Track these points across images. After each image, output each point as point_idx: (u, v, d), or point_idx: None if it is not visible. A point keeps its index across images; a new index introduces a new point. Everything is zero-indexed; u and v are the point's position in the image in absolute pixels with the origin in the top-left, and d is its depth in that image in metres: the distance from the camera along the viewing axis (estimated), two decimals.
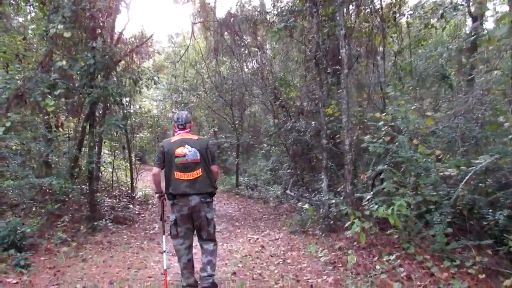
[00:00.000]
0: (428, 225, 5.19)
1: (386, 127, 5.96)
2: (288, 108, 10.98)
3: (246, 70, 14.35)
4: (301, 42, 10.82)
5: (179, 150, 4.00)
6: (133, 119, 12.56)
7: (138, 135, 13.75)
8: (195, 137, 4.17)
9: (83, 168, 8.14)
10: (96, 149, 10.33)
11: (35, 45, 10.03)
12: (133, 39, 11.31)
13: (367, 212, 5.50)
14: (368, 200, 5.33)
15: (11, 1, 9.58)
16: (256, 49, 11.83)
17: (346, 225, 5.07)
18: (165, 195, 4.19)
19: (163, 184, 4.27)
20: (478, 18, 11.53)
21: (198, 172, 3.99)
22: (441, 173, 5.47)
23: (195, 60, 18.33)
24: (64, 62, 7.47)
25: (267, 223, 9.80)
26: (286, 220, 9.85)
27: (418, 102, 6.46)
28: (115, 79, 7.66)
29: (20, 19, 10.97)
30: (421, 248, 5.05)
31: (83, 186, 8.67)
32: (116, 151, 13.21)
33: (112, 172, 12.33)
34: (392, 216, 4.72)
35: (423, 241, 5.17)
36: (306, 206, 7.08)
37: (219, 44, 13.98)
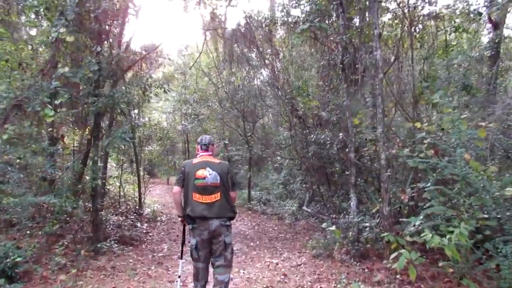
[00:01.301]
0: (487, 254, 4.30)
1: (428, 139, 5.10)
2: (305, 119, 10.14)
3: (260, 79, 13.58)
4: (326, 45, 10.07)
5: (200, 172, 3.95)
6: (142, 131, 11.79)
7: (147, 148, 12.97)
8: (217, 161, 4.15)
9: (88, 185, 7.33)
10: (102, 163, 9.59)
11: (40, 54, 9.38)
12: (141, 49, 10.63)
13: (407, 237, 4.65)
14: (416, 225, 4.43)
15: (20, 11, 8.93)
16: (271, 57, 11.05)
17: (392, 256, 4.18)
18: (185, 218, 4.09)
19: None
20: (499, 25, 10.79)
21: (217, 196, 3.93)
22: (497, 193, 4.60)
23: (206, 70, 17.71)
24: (66, 69, 6.73)
25: (285, 243, 8.92)
26: (305, 241, 8.98)
27: (462, 111, 5.58)
28: (122, 87, 6.88)
29: (30, 32, 10.35)
30: (481, 285, 4.15)
31: (87, 204, 7.86)
32: (124, 165, 12.43)
33: (120, 187, 11.53)
34: (449, 246, 3.85)
35: (484, 275, 4.27)
36: (333, 228, 6.21)
37: (232, 52, 13.29)
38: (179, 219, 4.30)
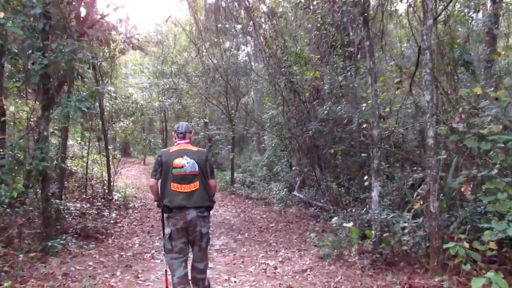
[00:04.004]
0: None
1: (494, 110, 3.63)
2: (301, 93, 8.55)
3: (246, 51, 11.87)
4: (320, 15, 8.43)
5: (177, 161, 3.76)
6: (111, 104, 9.94)
7: (118, 125, 11.12)
8: (195, 148, 3.95)
9: (33, 167, 5.54)
10: (61, 140, 7.81)
11: None
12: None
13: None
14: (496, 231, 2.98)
15: None
16: (261, 22, 9.34)
17: (473, 278, 2.71)
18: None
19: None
20: None
21: (196, 185, 3.76)
22: None
23: (185, 43, 15.85)
24: (1, 14, 4.92)
25: (278, 236, 7.44)
26: (302, 232, 7.54)
27: None
28: (75, 42, 5.06)
29: None
30: None
31: (38, 191, 6.11)
32: (92, 143, 10.56)
33: (86, 169, 9.74)
34: None
35: None
36: (349, 225, 4.73)
37: (215, 20, 11.51)
38: (156, 204, 4.05)
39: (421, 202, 4.07)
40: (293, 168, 11.77)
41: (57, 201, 6.69)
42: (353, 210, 5.54)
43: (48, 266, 5.10)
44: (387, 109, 6.65)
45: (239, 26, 13.03)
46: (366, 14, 4.76)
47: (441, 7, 5.49)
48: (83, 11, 6.98)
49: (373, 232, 4.69)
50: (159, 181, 3.83)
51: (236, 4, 9.21)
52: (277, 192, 11.01)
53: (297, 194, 10.25)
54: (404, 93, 7.09)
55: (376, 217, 4.59)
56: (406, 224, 4.10)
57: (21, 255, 4.84)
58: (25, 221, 5.97)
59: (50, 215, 5.78)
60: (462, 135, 3.75)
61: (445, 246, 3.31)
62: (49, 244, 5.55)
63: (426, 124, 3.81)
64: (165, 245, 3.76)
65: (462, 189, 3.69)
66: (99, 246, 6.43)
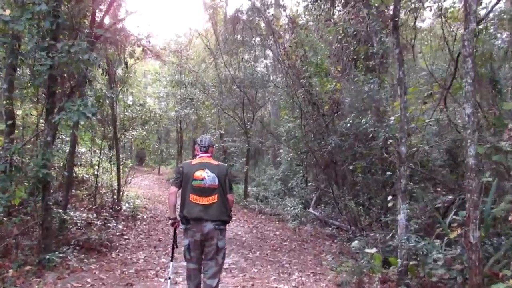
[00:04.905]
0: None
1: None
2: (320, 105, 8.06)
3: (264, 62, 11.51)
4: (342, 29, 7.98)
5: (198, 174, 3.79)
6: (124, 112, 9.63)
7: (132, 133, 10.79)
8: (216, 162, 3.98)
9: (32, 174, 5.17)
10: (69, 146, 7.50)
11: None
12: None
13: None
14: None
15: None
16: (280, 32, 8.95)
17: None
18: (179, 220, 3.92)
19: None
20: None
21: (214, 198, 3.77)
22: None
23: (203, 54, 15.61)
24: (7, 12, 4.66)
25: (292, 256, 6.91)
26: (317, 253, 6.99)
27: None
28: (83, 43, 4.70)
29: None
30: None
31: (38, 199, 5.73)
32: (104, 151, 10.24)
33: (96, 178, 9.41)
34: None
35: None
36: (372, 250, 4.20)
37: (234, 30, 11.20)
38: (170, 222, 4.06)
39: (458, 231, 3.51)
40: (309, 183, 11.22)
41: (60, 210, 6.30)
42: (377, 235, 4.97)
43: (43, 282, 4.71)
44: (412, 125, 6.14)
45: (257, 39, 12.75)
46: (397, 19, 4.30)
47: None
48: (98, 15, 6.77)
49: (399, 260, 4.14)
50: (179, 192, 3.89)
51: (256, 16, 8.82)
52: (292, 208, 10.47)
53: (313, 211, 9.70)
54: (430, 108, 6.57)
55: (403, 244, 4.03)
56: (440, 255, 3.54)
57: (10, 270, 4.43)
58: (26, 230, 5.62)
59: (49, 226, 5.39)
60: (509, 154, 3.21)
61: (494, 287, 2.76)
62: (47, 257, 5.16)
63: (467, 141, 3.28)
64: (185, 255, 3.88)
65: (510, 218, 3.14)
66: (101, 260, 6.00)
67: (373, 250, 4.31)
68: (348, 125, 6.18)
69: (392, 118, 5.12)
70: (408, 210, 4.36)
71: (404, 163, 4.28)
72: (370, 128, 5.48)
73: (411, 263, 4.23)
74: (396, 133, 4.55)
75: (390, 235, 4.32)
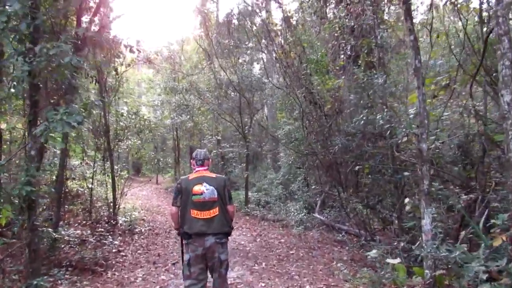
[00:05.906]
0: None
1: None
2: (322, 105, 7.61)
3: (259, 64, 11.09)
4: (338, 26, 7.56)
5: (197, 188, 3.78)
6: (117, 120, 9.14)
7: (126, 142, 10.30)
8: (213, 175, 3.97)
9: (15, 192, 4.68)
10: (58, 160, 7.03)
11: None
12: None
13: None
14: None
15: None
16: (277, 30, 8.51)
17: None
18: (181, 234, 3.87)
19: None
20: None
21: (215, 211, 3.76)
22: None
23: (197, 59, 15.17)
24: None
25: (301, 266, 6.43)
26: (328, 262, 6.52)
27: None
28: (63, 44, 4.22)
29: None
30: None
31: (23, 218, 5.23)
32: (99, 162, 9.73)
33: (90, 191, 8.92)
34: None
35: None
36: (396, 261, 3.74)
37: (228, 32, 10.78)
38: (177, 232, 4.03)
39: (504, 238, 3.06)
40: (312, 187, 10.77)
41: (50, 229, 5.81)
42: (401, 243, 4.50)
43: None
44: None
45: (250, 44, 12.35)
46: (410, 1, 3.88)
47: None
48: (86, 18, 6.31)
49: (426, 272, 3.68)
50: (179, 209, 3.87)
51: (248, 20, 8.39)
52: (296, 213, 10.01)
53: (318, 216, 9.23)
54: (440, 101, 6.14)
55: (432, 253, 3.56)
56: (482, 267, 3.06)
57: None
58: (11, 253, 5.12)
59: (37, 248, 4.88)
60: None
61: None
62: (34, 282, 4.65)
63: (508, 133, 2.84)
64: (184, 271, 3.80)
65: None
66: (95, 281, 5.52)
67: (396, 261, 3.86)
68: (362, 122, 5.70)
69: (411, 111, 4.67)
70: (435, 215, 3.90)
71: (426, 161, 3.84)
72: (386, 124, 5.03)
73: (438, 272, 3.77)
74: (413, 128, 4.11)
75: (417, 244, 3.86)
